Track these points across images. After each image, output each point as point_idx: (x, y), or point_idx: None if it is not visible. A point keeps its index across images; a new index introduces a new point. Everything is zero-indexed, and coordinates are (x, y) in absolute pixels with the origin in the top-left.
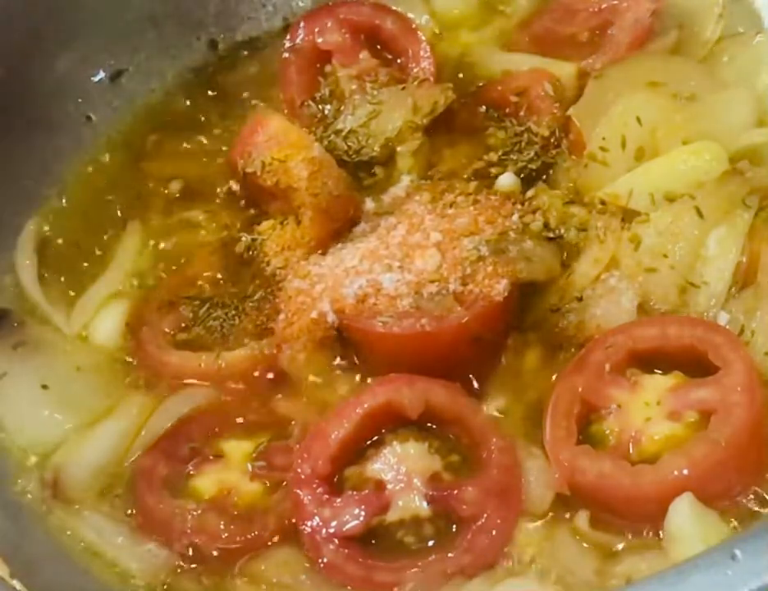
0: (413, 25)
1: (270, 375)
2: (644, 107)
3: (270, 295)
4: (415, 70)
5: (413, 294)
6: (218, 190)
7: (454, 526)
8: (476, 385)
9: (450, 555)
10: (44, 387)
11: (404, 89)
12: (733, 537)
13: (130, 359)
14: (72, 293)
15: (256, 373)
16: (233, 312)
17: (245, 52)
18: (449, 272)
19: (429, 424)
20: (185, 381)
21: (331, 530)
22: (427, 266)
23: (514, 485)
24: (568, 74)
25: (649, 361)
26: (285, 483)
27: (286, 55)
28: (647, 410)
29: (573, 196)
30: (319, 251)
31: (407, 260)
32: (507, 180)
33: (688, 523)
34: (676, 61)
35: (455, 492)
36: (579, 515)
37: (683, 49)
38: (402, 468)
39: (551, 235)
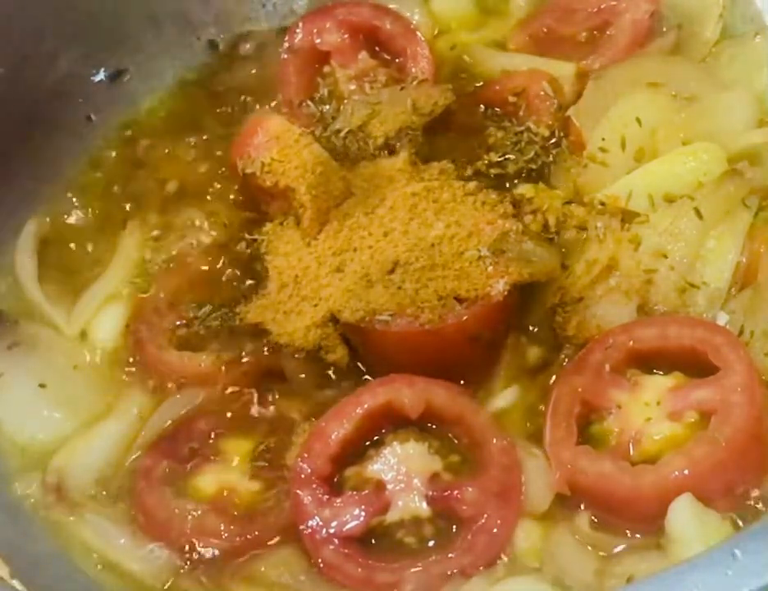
0: (412, 26)
1: (270, 375)
2: (644, 108)
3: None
4: (414, 70)
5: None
6: (217, 190)
7: (455, 526)
8: (476, 385)
9: (450, 555)
10: (42, 385)
11: (402, 89)
12: (733, 537)
13: (130, 359)
14: (72, 293)
15: (256, 373)
16: (233, 312)
17: (245, 53)
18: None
19: (429, 424)
20: (185, 381)
21: (331, 530)
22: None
23: (514, 485)
24: (567, 74)
25: (649, 361)
26: (285, 482)
27: (285, 56)
28: (647, 410)
29: (572, 196)
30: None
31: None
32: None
33: (688, 523)
34: (676, 61)
35: (455, 492)
36: (579, 515)
37: (683, 49)
38: (402, 468)
39: (551, 235)
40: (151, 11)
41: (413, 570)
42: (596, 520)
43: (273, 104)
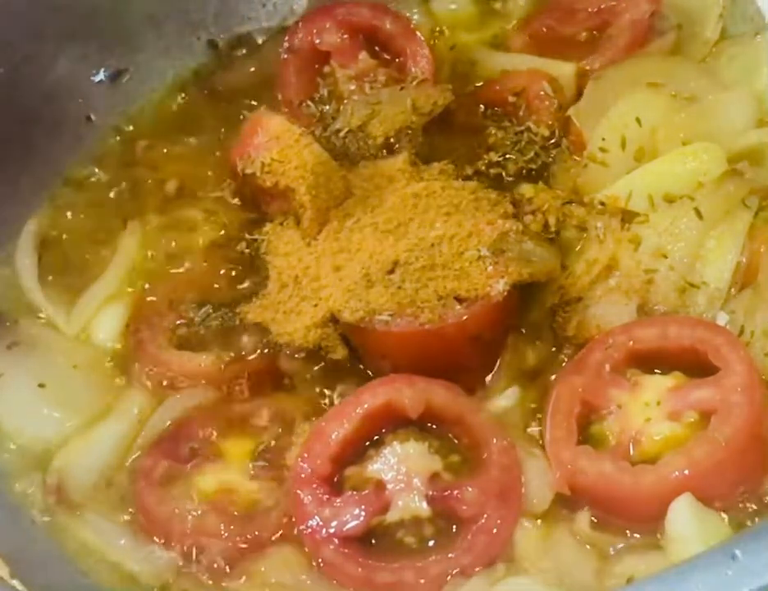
0: (412, 26)
1: (270, 375)
2: (644, 108)
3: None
4: (414, 70)
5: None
6: (217, 190)
7: (455, 526)
8: (476, 385)
9: (450, 555)
10: (41, 385)
11: (402, 89)
12: (733, 537)
13: (130, 359)
14: (72, 293)
15: (256, 373)
16: (233, 312)
17: (245, 53)
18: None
19: (429, 424)
20: (185, 381)
21: (331, 530)
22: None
23: (514, 485)
24: (566, 74)
25: (649, 361)
26: (285, 482)
27: (285, 56)
28: (647, 410)
29: (572, 196)
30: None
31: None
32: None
33: (687, 523)
34: (676, 61)
35: (455, 492)
36: (579, 515)
37: (683, 49)
38: (402, 468)
39: (551, 235)
40: (151, 11)
41: (413, 570)
42: (596, 520)
43: (273, 104)
